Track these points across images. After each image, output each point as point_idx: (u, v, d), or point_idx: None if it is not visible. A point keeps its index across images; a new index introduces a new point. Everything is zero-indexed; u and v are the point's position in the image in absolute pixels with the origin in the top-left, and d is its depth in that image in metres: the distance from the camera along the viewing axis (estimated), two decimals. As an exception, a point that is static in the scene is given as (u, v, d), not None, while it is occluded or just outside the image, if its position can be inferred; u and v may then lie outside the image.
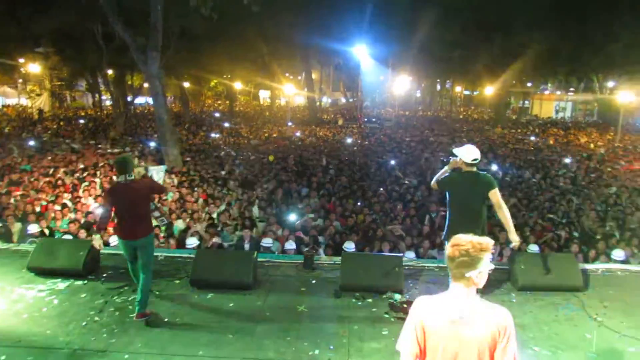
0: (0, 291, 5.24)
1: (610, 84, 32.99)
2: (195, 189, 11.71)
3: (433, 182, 5.10)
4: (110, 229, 6.65)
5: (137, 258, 4.76)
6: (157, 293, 5.28)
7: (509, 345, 2.14)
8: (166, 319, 4.73)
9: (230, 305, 5.05)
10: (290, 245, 7.83)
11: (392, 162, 16.13)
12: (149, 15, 13.89)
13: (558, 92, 47.19)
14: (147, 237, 4.72)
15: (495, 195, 4.78)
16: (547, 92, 48.26)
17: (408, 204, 10.77)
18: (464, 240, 2.18)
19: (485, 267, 2.15)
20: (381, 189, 12.18)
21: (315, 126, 29.72)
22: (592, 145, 22.96)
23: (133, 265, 4.87)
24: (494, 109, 42.49)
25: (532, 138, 25.32)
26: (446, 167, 5.06)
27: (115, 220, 4.75)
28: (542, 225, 9.27)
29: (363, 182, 13.03)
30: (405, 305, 4.99)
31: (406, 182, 13.20)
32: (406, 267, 5.85)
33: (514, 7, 23.74)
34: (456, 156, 4.88)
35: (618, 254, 7.15)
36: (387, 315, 4.84)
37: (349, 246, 7.87)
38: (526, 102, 48.79)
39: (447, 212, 5.00)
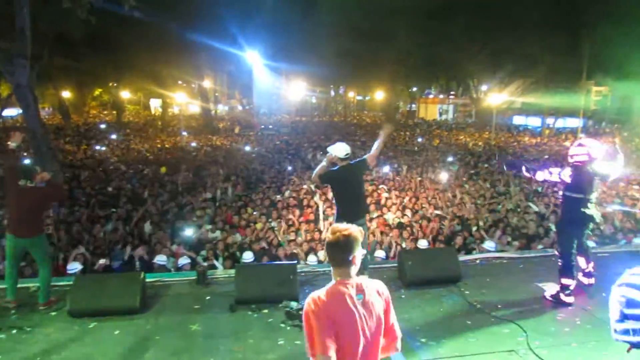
0: None
1: (484, 87, 36.34)
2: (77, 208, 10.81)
3: (314, 175, 5.67)
4: None
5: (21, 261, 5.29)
6: (29, 329, 4.71)
7: (391, 307, 2.42)
8: (38, 359, 4.23)
9: (116, 332, 4.68)
10: (185, 260, 7.52)
11: (289, 168, 16.25)
12: (14, 18, 12.57)
13: (441, 96, 51.01)
14: (39, 236, 5.13)
15: (368, 159, 5.61)
16: (431, 96, 51.95)
17: (305, 209, 10.87)
18: (343, 226, 2.33)
19: (359, 251, 2.33)
20: (278, 196, 12.19)
21: (211, 135, 29.00)
22: (470, 144, 25.10)
23: (14, 270, 5.14)
24: (384, 112, 44.86)
25: (420, 139, 27.03)
26: (324, 162, 5.57)
27: (8, 218, 5.22)
28: (429, 221, 9.88)
29: (260, 190, 12.94)
30: (301, 312, 5.00)
31: (304, 187, 13.35)
32: (302, 274, 5.89)
33: (395, 18, 25.38)
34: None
35: (489, 244, 7.85)
36: (283, 325, 4.81)
37: (247, 257, 7.76)
38: (413, 105, 52.07)
39: (336, 206, 5.60)
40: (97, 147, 22.46)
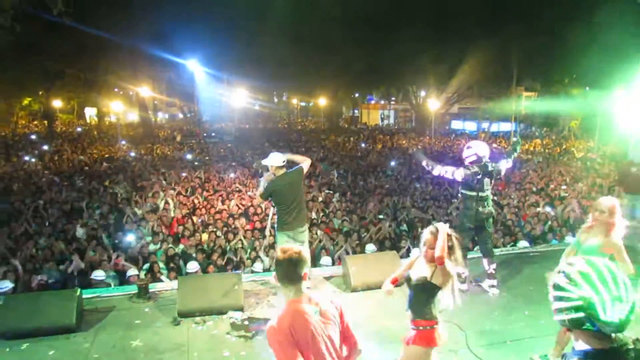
0: None
1: (422, 93, 37.63)
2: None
3: (258, 196, 5.74)
4: None
5: None
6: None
7: (344, 313, 2.52)
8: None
9: (51, 353, 4.47)
10: (133, 272, 7.29)
11: (233, 175, 16.10)
12: None
13: (382, 102, 52.32)
14: None
15: (303, 169, 5.60)
16: (372, 102, 53.16)
17: (251, 217, 10.82)
18: (292, 246, 2.45)
19: (308, 267, 2.45)
20: (221, 204, 12.03)
21: (151, 144, 28.15)
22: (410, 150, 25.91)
23: None
24: (327, 118, 45.42)
25: (363, 145, 27.56)
26: (263, 181, 5.65)
27: None
28: (375, 225, 10.12)
29: (204, 198, 12.73)
30: (247, 323, 4.99)
31: (249, 195, 13.27)
32: (246, 283, 5.86)
33: (336, 26, 25.87)
34: (267, 168, 5.58)
35: None
36: (228, 335, 4.77)
37: (191, 267, 7.61)
38: (355, 111, 53.05)
39: (278, 216, 5.56)
40: (27, 159, 21.19)
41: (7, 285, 6.94)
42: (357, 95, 48.40)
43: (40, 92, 34.12)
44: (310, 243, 8.81)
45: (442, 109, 34.98)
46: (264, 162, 5.59)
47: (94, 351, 4.48)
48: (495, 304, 5.50)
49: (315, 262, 7.81)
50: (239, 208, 11.77)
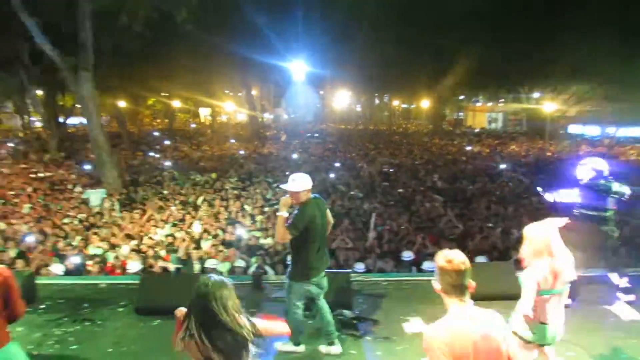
0: None
1: (536, 94, 35.22)
2: (136, 211, 11.33)
3: (282, 236, 4.15)
4: None
5: None
6: (100, 322, 5.05)
7: (510, 340, 2.40)
8: (110, 350, 4.53)
9: (179, 331, 4.90)
10: (240, 263, 7.74)
11: (332, 175, 16.38)
12: (77, 33, 13.40)
13: (490, 104, 49.84)
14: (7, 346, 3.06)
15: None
16: (479, 104, 50.85)
17: (355, 217, 10.93)
18: (455, 253, 2.36)
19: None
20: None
21: (258, 143, 29.61)
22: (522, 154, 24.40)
23: None
24: (430, 121, 44.29)
25: (468, 148, 26.50)
26: (282, 213, 4.13)
27: None
28: (484, 235, 9.67)
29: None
30: (355, 321, 5.06)
31: (352, 193, 13.45)
32: (354, 282, 5.94)
33: (443, 26, 25.10)
34: (286, 193, 4.31)
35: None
36: (337, 333, 4.86)
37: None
38: (460, 113, 51.14)
39: (298, 261, 4.32)
40: (151, 154, 23.41)
41: (136, 266, 7.77)
42: (462, 97, 46.58)
43: (163, 93, 37.39)
44: (413, 246, 8.74)
45: (558, 112, 32.42)
46: (290, 186, 4.20)
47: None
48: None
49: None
50: (342, 208, 11.95)
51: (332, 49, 29.33)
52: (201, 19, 16.94)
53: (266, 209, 11.72)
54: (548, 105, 28.64)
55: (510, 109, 45.39)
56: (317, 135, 34.31)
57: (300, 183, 4.17)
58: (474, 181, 15.50)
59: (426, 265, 7.65)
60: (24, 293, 5.21)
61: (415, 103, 52.46)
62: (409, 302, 5.56)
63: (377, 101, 58.63)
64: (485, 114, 49.58)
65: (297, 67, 30.84)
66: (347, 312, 5.18)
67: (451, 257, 2.32)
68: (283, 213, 4.10)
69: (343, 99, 43.50)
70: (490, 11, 24.12)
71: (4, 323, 3.04)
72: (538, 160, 21.56)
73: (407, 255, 8.09)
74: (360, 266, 7.92)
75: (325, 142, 30.46)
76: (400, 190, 14.35)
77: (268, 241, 9.38)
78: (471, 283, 2.30)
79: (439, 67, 29.91)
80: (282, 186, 4.33)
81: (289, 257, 7.78)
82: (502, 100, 46.63)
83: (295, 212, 4.18)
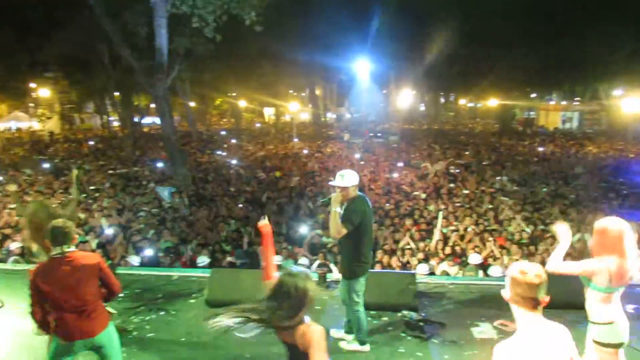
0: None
1: (616, 92, 32.85)
2: (204, 207, 11.78)
3: (338, 231, 4.20)
4: None
5: None
6: (173, 312, 5.31)
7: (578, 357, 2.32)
8: (183, 339, 4.75)
9: (246, 325, 5.05)
10: (303, 261, 7.84)
11: (395, 175, 16.18)
12: (154, 38, 14.15)
13: (564, 102, 47.13)
14: (107, 329, 3.39)
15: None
16: (552, 103, 48.23)
17: (419, 218, 10.74)
18: (531, 265, 2.23)
19: None
20: (387, 204, 12.16)
21: (321, 142, 29.85)
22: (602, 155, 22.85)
23: None
24: (499, 120, 42.56)
25: (540, 149, 25.22)
26: (335, 208, 4.20)
27: (52, 317, 3.27)
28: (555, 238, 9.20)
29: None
30: (420, 323, 4.97)
31: (415, 194, 13.24)
32: (420, 284, 5.84)
33: (513, 20, 23.98)
34: (334, 190, 4.37)
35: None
36: (403, 334, 4.81)
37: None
38: (531, 112, 48.77)
39: (358, 256, 4.35)
40: (218, 152, 24.26)
41: (205, 260, 8.08)
42: (533, 95, 44.37)
43: (230, 94, 38.69)
44: (479, 249, 8.45)
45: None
46: (341, 183, 4.25)
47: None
48: None
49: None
50: (405, 209, 11.79)
51: (397, 47, 29.00)
52: (268, 21, 17.31)
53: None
54: (630, 103, 26.58)
55: (586, 107, 42.67)
56: (380, 134, 34.03)
57: (349, 179, 4.28)
58: (546, 183, 14.75)
59: (494, 270, 7.38)
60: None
61: (483, 102, 50.65)
62: (476, 306, 5.40)
63: (442, 100, 57.26)
64: (559, 113, 46.92)
65: (361, 66, 30.79)
66: (412, 314, 5.09)
67: (526, 269, 2.20)
68: (337, 209, 4.20)
69: (407, 98, 42.79)
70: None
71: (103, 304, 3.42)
72: (618, 162, 20.10)
73: (475, 258, 7.84)
74: (423, 267, 7.78)
75: (388, 141, 30.14)
76: (466, 191, 13.96)
77: (331, 239, 9.42)
78: (544, 298, 2.18)
79: (509, 64, 28.66)
80: (332, 183, 4.42)
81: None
82: (578, 98, 43.95)
83: (345, 207, 4.31)
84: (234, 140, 28.70)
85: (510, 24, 24.24)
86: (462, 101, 56.49)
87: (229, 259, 8.24)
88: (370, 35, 27.32)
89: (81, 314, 3.23)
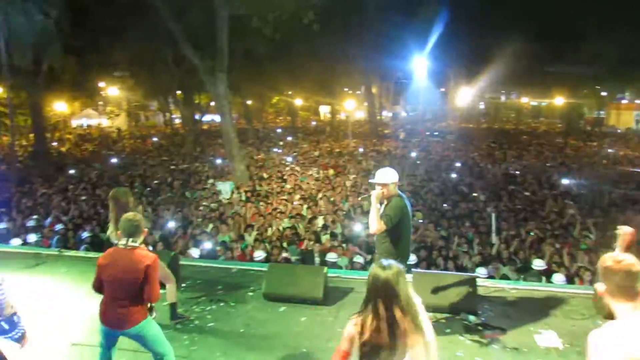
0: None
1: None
2: (261, 203, 12.03)
3: (379, 226, 4.23)
4: None
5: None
6: (232, 304, 5.47)
7: None
8: (242, 330, 4.89)
9: (302, 319, 5.13)
10: (359, 259, 7.84)
11: (454, 175, 15.77)
12: (215, 38, 14.58)
13: (638, 101, 44.09)
14: (141, 324, 3.51)
15: None
16: (625, 101, 45.24)
17: (477, 221, 10.43)
18: (626, 255, 2.17)
19: None
20: (445, 205, 11.91)
21: (377, 140, 29.63)
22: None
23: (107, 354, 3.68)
24: (565, 120, 40.42)
25: (610, 151, 23.78)
26: (376, 205, 4.27)
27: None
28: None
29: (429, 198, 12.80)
30: (480, 328, 4.83)
31: (474, 195, 12.89)
32: (479, 287, 5.66)
33: (582, 13, 22.66)
34: (374, 187, 4.37)
35: None
36: (462, 338, 4.70)
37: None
38: (601, 112, 46.00)
39: (402, 241, 4.41)
40: (274, 150, 24.66)
41: (261, 254, 8.25)
42: (604, 93, 41.74)
43: (286, 92, 39.13)
44: (543, 254, 8.09)
45: None
46: (382, 180, 4.31)
47: (337, 325, 4.91)
48: None
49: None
50: (464, 210, 11.49)
51: (456, 44, 28.25)
52: (325, 19, 17.38)
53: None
54: None
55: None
56: (437, 133, 33.33)
57: (389, 176, 4.34)
58: (616, 187, 13.90)
59: (557, 278, 7.02)
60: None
61: (547, 100, 48.27)
62: (539, 313, 5.17)
63: (503, 98, 55.21)
64: (632, 112, 43.94)
65: (419, 64, 30.27)
66: (471, 317, 4.96)
67: (620, 258, 2.13)
68: (377, 205, 4.28)
69: (465, 97, 41.53)
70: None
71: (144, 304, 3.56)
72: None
73: (539, 264, 7.52)
74: (482, 271, 7.55)
75: (445, 140, 29.46)
76: (527, 193, 13.42)
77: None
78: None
79: (577, 58, 27.12)
80: (372, 180, 4.44)
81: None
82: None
83: (385, 205, 4.37)
84: (289, 138, 29.08)
85: (579, 15, 22.88)
86: (524, 99, 54.13)
87: (284, 254, 8.37)
88: (428, 32, 26.76)
89: (121, 306, 3.44)
